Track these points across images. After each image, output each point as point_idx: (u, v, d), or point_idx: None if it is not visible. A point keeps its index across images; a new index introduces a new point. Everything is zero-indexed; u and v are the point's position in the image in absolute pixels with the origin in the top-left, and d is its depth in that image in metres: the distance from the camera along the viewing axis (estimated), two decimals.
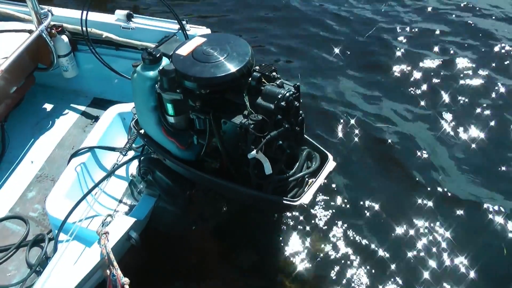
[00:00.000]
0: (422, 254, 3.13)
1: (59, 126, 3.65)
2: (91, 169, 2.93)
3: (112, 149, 2.99)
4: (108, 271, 2.27)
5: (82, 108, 3.80)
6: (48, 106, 3.83)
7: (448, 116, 4.26)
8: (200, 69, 2.19)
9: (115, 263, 2.22)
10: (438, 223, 3.31)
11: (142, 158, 2.73)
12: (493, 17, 5.82)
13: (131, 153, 2.90)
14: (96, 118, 3.66)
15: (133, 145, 2.86)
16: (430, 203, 3.45)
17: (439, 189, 3.55)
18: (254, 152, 2.10)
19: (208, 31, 3.38)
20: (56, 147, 3.47)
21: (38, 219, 3.00)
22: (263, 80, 2.24)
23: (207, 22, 4.95)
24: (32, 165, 3.36)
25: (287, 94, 2.15)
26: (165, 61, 2.35)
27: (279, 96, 2.14)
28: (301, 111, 2.36)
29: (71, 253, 2.47)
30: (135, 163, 2.87)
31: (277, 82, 2.24)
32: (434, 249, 3.15)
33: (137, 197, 2.84)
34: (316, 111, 4.25)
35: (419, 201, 3.46)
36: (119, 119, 3.15)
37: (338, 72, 4.85)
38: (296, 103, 2.23)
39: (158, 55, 2.31)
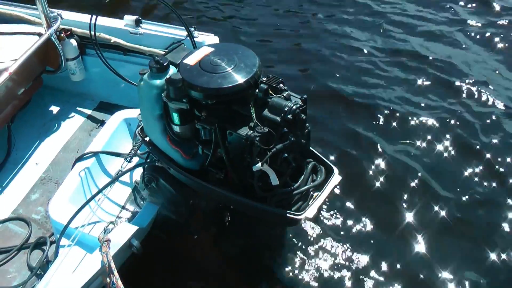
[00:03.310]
0: (432, 270, 3.07)
1: (65, 129, 3.65)
2: (95, 174, 2.92)
3: (117, 154, 2.99)
4: (108, 279, 2.26)
5: (88, 111, 3.80)
6: (55, 109, 3.84)
7: (458, 125, 4.22)
8: (207, 79, 2.18)
9: (115, 272, 2.22)
10: (449, 237, 3.27)
11: (146, 165, 2.72)
12: None
13: (135, 160, 2.90)
14: (101, 122, 3.66)
15: (138, 151, 2.85)
16: (440, 217, 3.40)
17: (450, 202, 3.50)
18: (259, 164, 2.09)
19: (216, 38, 3.38)
20: (61, 150, 3.47)
21: (41, 222, 3.00)
22: (270, 92, 2.23)
23: (215, 30, 4.91)
24: (36, 167, 3.36)
25: (294, 107, 2.14)
26: (172, 70, 2.35)
27: (286, 109, 2.13)
28: (307, 124, 2.34)
29: (72, 259, 2.47)
30: (139, 170, 2.87)
31: (284, 94, 2.23)
32: (445, 267, 3.10)
33: (140, 204, 2.83)
34: (322, 124, 4.20)
35: (428, 215, 3.41)
36: (124, 124, 3.14)
37: (346, 85, 4.78)
38: (303, 115, 2.22)
39: (165, 63, 2.30)
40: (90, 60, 3.77)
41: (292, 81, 4.52)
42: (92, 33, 3.20)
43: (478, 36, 5.51)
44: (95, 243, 2.45)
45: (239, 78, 2.18)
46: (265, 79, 2.28)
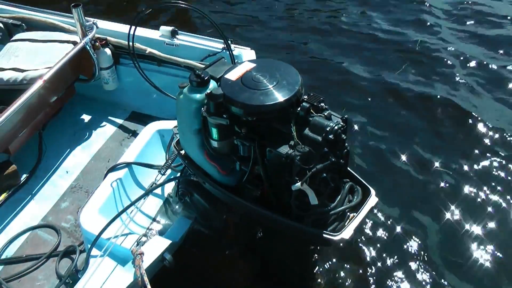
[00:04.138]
0: None
1: (96, 138, 3.67)
2: (127, 185, 2.90)
3: (150, 166, 2.96)
4: None
5: (120, 121, 3.81)
6: (86, 117, 3.86)
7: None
8: (249, 96, 2.16)
9: (148, 286, 2.19)
10: (498, 265, 3.13)
11: (180, 179, 2.70)
12: None
13: (168, 173, 2.88)
14: (133, 132, 3.67)
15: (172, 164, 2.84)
16: (483, 240, 3.26)
17: (494, 221, 3.38)
18: (299, 184, 2.06)
19: (253, 52, 3.37)
20: (92, 159, 3.48)
21: (70, 230, 3.00)
22: (311, 110, 2.20)
23: (251, 42, 4.85)
24: (67, 175, 3.37)
25: (336, 127, 2.10)
26: (212, 84, 2.33)
27: (328, 129, 2.09)
28: (346, 144, 2.31)
29: (103, 270, 2.45)
30: (172, 183, 2.85)
31: (325, 113, 2.19)
32: None
33: (172, 217, 2.80)
34: (360, 144, 4.13)
35: (468, 237, 3.29)
36: (158, 136, 3.13)
37: (387, 104, 4.69)
38: (343, 136, 2.18)
39: (206, 78, 2.27)
40: (124, 69, 3.80)
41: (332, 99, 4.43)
42: (130, 43, 3.22)
43: None
44: (127, 255, 2.43)
45: (281, 96, 2.15)
46: (306, 97, 2.24)
